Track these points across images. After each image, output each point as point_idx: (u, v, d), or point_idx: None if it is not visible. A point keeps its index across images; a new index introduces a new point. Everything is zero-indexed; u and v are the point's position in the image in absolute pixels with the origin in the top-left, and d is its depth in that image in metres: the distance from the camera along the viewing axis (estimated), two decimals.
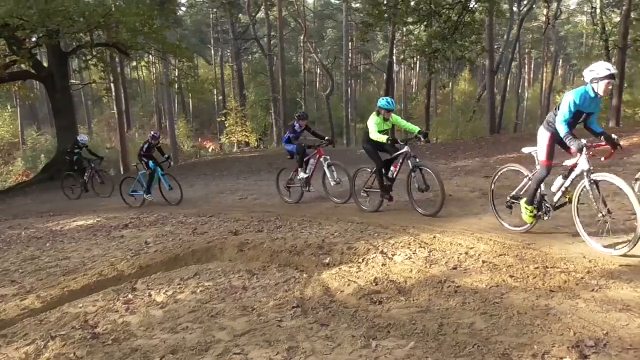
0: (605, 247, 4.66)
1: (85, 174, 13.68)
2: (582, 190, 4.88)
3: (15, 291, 5.46)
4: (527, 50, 50.67)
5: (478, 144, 14.90)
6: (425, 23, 20.42)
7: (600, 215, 4.77)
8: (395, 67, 41.84)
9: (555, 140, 5.11)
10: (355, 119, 36.50)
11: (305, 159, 8.96)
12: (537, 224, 5.52)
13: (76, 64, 24.11)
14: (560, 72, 55.04)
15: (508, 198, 5.83)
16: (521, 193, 5.64)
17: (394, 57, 32.11)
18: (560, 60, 51.76)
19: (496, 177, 6.07)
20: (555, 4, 31.23)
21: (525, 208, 5.42)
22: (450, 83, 44.69)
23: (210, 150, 37.98)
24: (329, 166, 8.66)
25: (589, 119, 5.00)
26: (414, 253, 5.21)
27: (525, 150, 5.68)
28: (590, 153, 4.84)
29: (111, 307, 4.62)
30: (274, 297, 4.44)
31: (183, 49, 21.40)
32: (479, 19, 21.77)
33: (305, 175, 8.93)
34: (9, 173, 33.12)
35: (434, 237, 5.70)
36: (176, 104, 45.23)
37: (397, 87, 46.29)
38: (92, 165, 13.71)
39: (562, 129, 4.84)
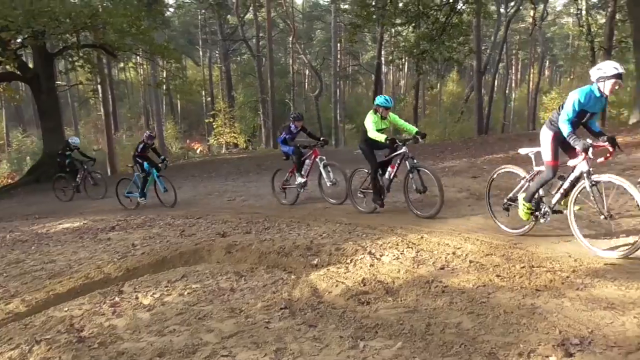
0: (605, 250, 4.59)
1: (78, 176, 13.52)
2: (579, 192, 4.78)
3: (0, 295, 5.40)
4: (514, 52, 51.12)
5: (466, 144, 15.00)
6: (413, 24, 20.56)
7: (602, 217, 4.70)
8: (384, 69, 42.02)
9: (559, 140, 4.95)
10: (344, 120, 36.58)
11: (302, 159, 8.80)
12: (534, 227, 5.40)
13: (62, 65, 23.85)
14: (547, 73, 55.59)
15: (505, 200, 5.71)
16: (518, 195, 5.51)
17: (383, 59, 32.21)
18: (547, 62, 52.30)
19: (492, 179, 5.95)
20: (541, 6, 31.49)
21: (523, 205, 5.31)
22: (439, 84, 45.05)
23: (198, 151, 37.79)
24: (325, 166, 8.53)
25: (592, 119, 4.90)
26: (401, 253, 5.22)
27: (523, 151, 5.57)
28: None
29: (97, 311, 4.58)
30: (262, 299, 4.43)
31: (171, 50, 21.31)
32: (466, 21, 21.98)
33: (303, 180, 8.79)
34: None
35: (422, 237, 5.72)
36: (164, 106, 45.03)
37: (386, 88, 46.44)
38: (85, 166, 13.57)
39: (566, 129, 4.71)
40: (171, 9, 39.47)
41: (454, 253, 5.05)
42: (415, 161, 7.00)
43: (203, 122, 42.41)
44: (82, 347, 3.76)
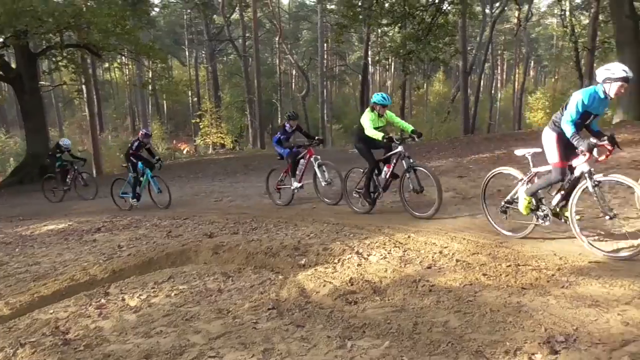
0: (609, 251, 4.51)
1: (68, 177, 13.39)
2: (580, 193, 4.67)
3: None
4: (499, 52, 51.54)
5: (452, 144, 15.07)
6: (399, 25, 20.67)
7: (607, 218, 4.61)
8: (371, 69, 42.13)
9: (563, 140, 4.77)
10: (332, 120, 36.60)
11: (297, 158, 8.66)
12: (534, 230, 5.26)
13: (46, 65, 23.61)
14: (532, 73, 56.14)
15: (502, 203, 5.53)
16: (515, 197, 5.37)
17: (369, 59, 32.36)
18: (532, 62, 52.83)
19: (488, 181, 5.74)
20: (526, 7, 31.82)
21: (524, 199, 5.15)
22: (425, 84, 45.27)
23: (185, 152, 37.58)
24: (319, 166, 8.39)
25: (595, 120, 4.79)
26: (389, 253, 5.24)
27: (519, 152, 5.41)
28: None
29: (83, 313, 4.53)
30: (249, 299, 4.42)
31: (157, 50, 21.20)
32: (452, 21, 22.12)
33: (300, 185, 8.65)
34: None
35: (409, 236, 5.73)
36: (150, 106, 44.74)
37: (373, 89, 46.50)
38: (75, 167, 13.44)
39: (569, 129, 4.58)
40: (156, 9, 39.11)
41: (440, 252, 5.07)
42: (411, 160, 6.90)
43: (190, 123, 42.18)
44: (68, 350, 3.72)
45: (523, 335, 3.22)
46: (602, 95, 4.53)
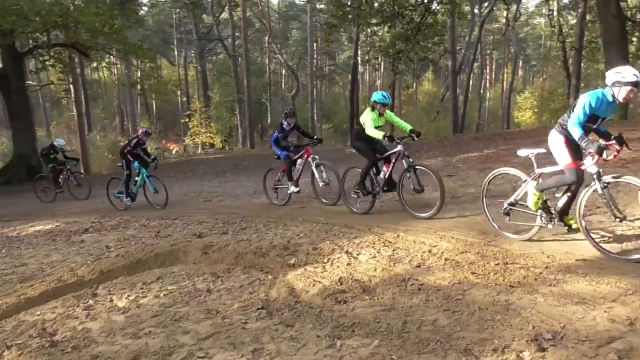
0: (618, 253, 4.45)
1: (61, 176, 13.28)
2: (588, 195, 4.57)
3: None
4: (488, 52, 51.84)
5: (441, 143, 15.16)
6: (388, 24, 20.73)
7: (617, 220, 4.50)
8: (360, 68, 42.14)
9: (571, 142, 4.67)
10: (321, 120, 36.61)
11: (294, 159, 8.58)
12: (539, 232, 5.16)
13: (33, 65, 23.39)
14: (520, 72, 56.46)
15: (505, 205, 5.37)
16: (519, 198, 5.26)
17: (359, 58, 32.32)
18: (520, 62, 53.10)
19: (489, 182, 5.63)
20: (514, 7, 32.03)
21: (534, 194, 5.01)
22: (414, 84, 45.45)
23: (174, 152, 37.35)
24: (317, 166, 8.29)
25: (602, 123, 4.68)
26: (378, 252, 5.25)
27: (522, 153, 5.27)
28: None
29: (71, 314, 4.49)
30: (238, 300, 4.40)
31: (145, 49, 21.08)
32: (441, 21, 22.22)
33: (297, 190, 8.57)
34: None
35: (398, 236, 5.75)
36: (139, 106, 44.53)
37: (362, 88, 46.59)
38: (68, 167, 13.33)
39: (577, 132, 4.47)
40: (145, 8, 38.94)
41: (429, 251, 5.09)
42: (411, 160, 6.84)
43: (179, 122, 42.03)
44: (55, 352, 3.69)
45: (511, 333, 3.24)
46: (610, 99, 4.44)
